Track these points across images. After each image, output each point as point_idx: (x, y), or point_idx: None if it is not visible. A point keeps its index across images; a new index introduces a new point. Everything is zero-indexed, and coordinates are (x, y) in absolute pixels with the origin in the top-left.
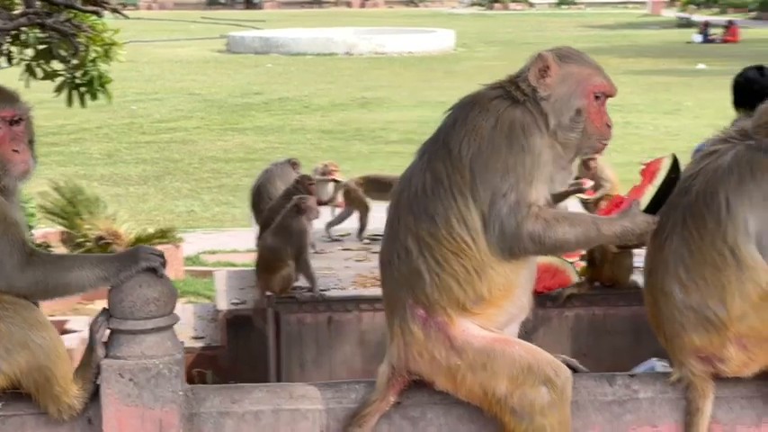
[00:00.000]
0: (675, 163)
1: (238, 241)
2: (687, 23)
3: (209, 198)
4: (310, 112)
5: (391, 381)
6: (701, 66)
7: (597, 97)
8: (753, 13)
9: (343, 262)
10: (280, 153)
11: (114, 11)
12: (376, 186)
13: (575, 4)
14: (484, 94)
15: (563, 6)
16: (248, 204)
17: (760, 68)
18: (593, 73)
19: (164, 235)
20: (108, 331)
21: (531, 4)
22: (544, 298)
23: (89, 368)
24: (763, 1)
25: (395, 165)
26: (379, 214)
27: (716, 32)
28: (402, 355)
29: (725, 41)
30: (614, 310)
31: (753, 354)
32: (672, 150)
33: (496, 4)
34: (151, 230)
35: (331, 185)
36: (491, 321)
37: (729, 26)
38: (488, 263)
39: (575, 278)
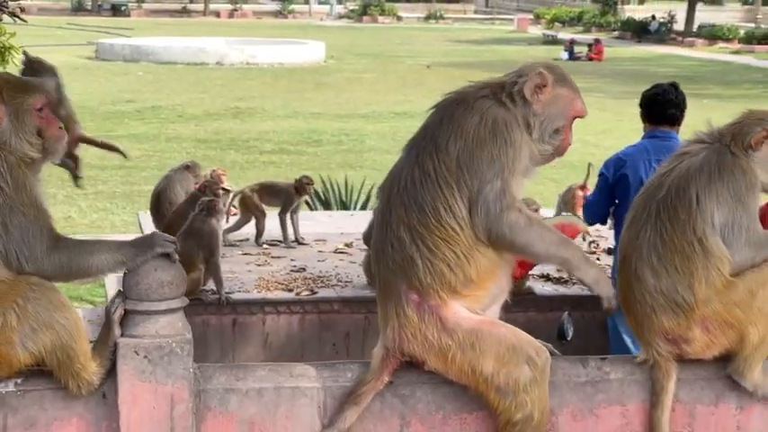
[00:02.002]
0: None
1: None
2: (553, 41)
3: (86, 205)
4: (184, 121)
5: (385, 361)
6: None
7: (573, 119)
8: (616, 33)
9: (245, 266)
10: (155, 161)
11: (12, 14)
12: (269, 193)
13: (442, 18)
14: (469, 94)
15: (431, 21)
16: (149, 209)
17: (674, 85)
18: (577, 98)
19: None
20: (121, 312)
21: (400, 18)
22: None
23: (106, 346)
24: (625, 21)
25: (271, 174)
26: (273, 221)
27: (581, 50)
28: (396, 337)
29: (590, 59)
30: (511, 315)
31: (714, 336)
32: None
33: (365, 17)
34: None
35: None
36: (478, 303)
37: (596, 44)
38: (476, 247)
39: (583, 227)
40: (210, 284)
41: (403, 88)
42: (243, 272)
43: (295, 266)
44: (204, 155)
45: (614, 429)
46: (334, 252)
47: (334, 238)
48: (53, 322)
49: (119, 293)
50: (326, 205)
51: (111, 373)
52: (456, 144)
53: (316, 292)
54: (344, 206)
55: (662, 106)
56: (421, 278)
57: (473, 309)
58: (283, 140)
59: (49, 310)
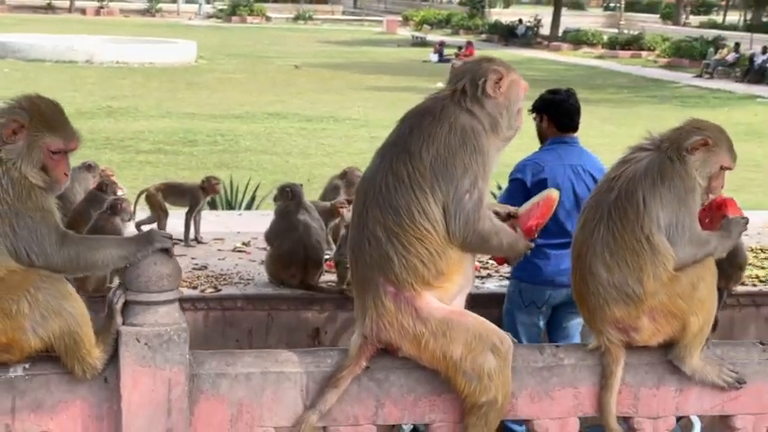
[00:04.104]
0: None
1: None
2: (422, 42)
3: None
4: None
5: (363, 348)
6: (439, 84)
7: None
8: (483, 36)
9: None
10: None
11: None
12: (174, 193)
13: (311, 19)
14: (434, 105)
15: (299, 21)
16: None
17: (573, 92)
18: (520, 76)
19: None
20: (122, 302)
21: (269, 18)
22: (345, 301)
23: (109, 334)
24: (493, 24)
25: (149, 174)
26: (176, 220)
27: (451, 52)
28: (374, 325)
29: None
30: None
31: (660, 325)
32: None
33: (234, 17)
34: None
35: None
36: (447, 293)
37: (467, 46)
38: (446, 244)
39: (555, 195)
40: (116, 281)
41: (274, 89)
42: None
43: (197, 264)
44: (80, 154)
45: (567, 410)
46: (233, 251)
47: (231, 237)
48: (62, 310)
49: (119, 285)
50: (212, 205)
51: (112, 358)
52: (429, 152)
53: (219, 290)
54: (230, 206)
55: (572, 114)
56: (397, 273)
57: (443, 299)
58: (159, 140)
59: (57, 298)
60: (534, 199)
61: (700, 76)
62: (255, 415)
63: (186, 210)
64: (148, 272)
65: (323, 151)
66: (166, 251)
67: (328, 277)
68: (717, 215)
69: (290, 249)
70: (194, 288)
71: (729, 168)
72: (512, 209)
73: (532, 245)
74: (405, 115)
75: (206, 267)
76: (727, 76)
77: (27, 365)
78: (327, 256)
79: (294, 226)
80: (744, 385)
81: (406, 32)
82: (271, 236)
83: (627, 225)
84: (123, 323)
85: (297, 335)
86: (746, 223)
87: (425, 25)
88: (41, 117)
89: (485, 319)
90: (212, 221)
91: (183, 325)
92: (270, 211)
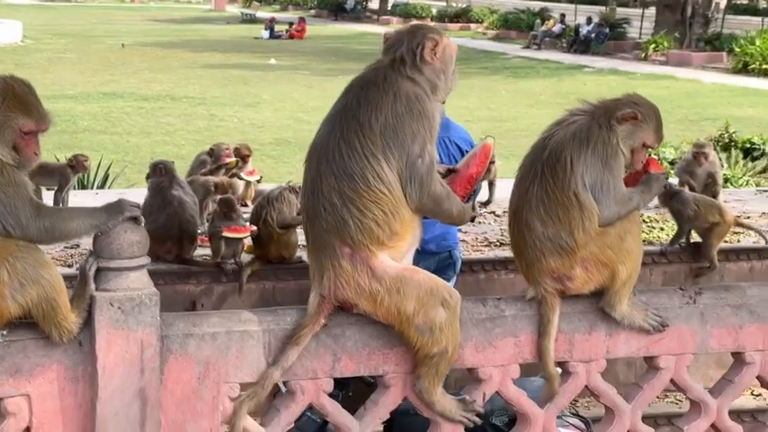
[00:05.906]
0: None
1: None
2: (251, 19)
3: None
4: None
5: (321, 307)
6: (272, 61)
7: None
8: (313, 11)
9: None
10: None
11: None
12: (42, 173)
13: None
14: (376, 76)
15: (126, 0)
16: None
17: None
18: (449, 40)
19: None
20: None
21: None
22: (220, 273)
23: (83, 300)
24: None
25: None
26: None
27: (281, 29)
28: (332, 285)
29: (291, 37)
30: (283, 284)
31: (591, 274)
32: (258, 141)
33: None
34: None
35: None
36: (399, 252)
37: (299, 22)
38: (400, 205)
39: (491, 142)
40: None
41: (107, 68)
42: None
43: (69, 243)
44: None
45: (509, 357)
46: None
47: None
48: (39, 278)
49: (91, 253)
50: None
51: (86, 323)
52: (378, 121)
53: None
54: (83, 186)
55: None
56: (353, 235)
57: (395, 258)
58: None
59: (35, 267)
60: (480, 144)
61: (528, 47)
62: (221, 372)
63: (55, 189)
64: (119, 239)
65: (162, 130)
66: (135, 219)
67: (203, 251)
68: (639, 172)
69: (165, 224)
70: (69, 266)
71: (652, 147)
72: (449, 166)
73: (478, 213)
74: (348, 87)
75: (78, 246)
76: (554, 46)
77: (5, 332)
78: (201, 231)
79: (169, 201)
80: (667, 328)
81: (234, 9)
82: (145, 212)
83: (557, 182)
84: (96, 289)
85: (174, 308)
86: (666, 179)
87: (254, 2)
88: (14, 97)
89: (434, 275)
90: (72, 202)
91: (153, 289)
92: (125, 189)
